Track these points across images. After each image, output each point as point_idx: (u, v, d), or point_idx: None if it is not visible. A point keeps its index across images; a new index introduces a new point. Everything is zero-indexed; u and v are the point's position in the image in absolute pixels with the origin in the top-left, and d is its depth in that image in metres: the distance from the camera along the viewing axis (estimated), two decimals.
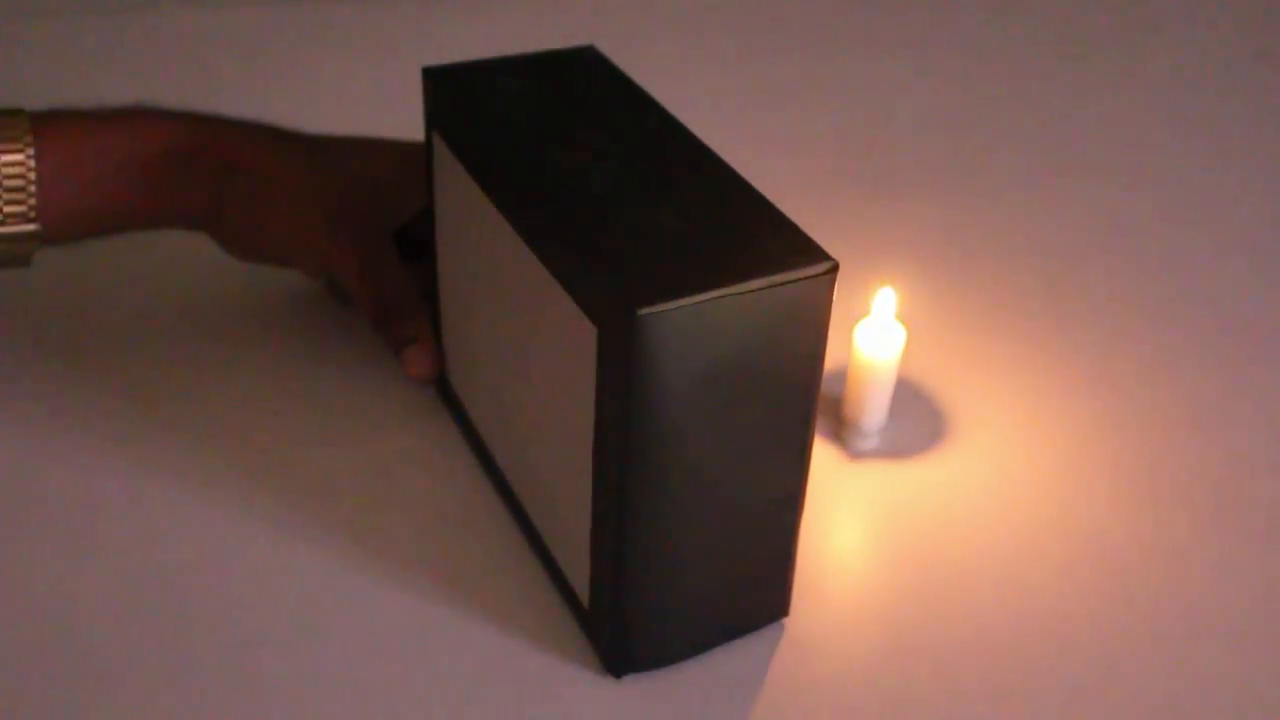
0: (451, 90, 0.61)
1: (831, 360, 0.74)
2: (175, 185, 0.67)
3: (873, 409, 0.69)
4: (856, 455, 0.69)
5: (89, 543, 0.62)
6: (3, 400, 0.70)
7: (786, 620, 0.59)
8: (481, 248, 0.59)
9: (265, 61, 1.06)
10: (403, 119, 0.83)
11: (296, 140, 0.71)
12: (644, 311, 0.47)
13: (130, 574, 0.60)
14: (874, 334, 0.68)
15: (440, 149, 0.62)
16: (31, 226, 0.64)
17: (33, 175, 0.63)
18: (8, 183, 0.63)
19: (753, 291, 0.48)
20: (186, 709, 0.54)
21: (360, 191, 0.70)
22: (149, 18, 1.12)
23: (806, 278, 0.49)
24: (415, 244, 0.72)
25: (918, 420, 0.71)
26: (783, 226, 0.52)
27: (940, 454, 0.69)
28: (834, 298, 0.51)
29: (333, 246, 0.69)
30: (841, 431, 0.70)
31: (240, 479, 0.65)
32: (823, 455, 0.69)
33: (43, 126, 0.64)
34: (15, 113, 0.64)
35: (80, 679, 0.55)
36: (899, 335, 0.68)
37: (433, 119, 0.62)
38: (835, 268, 0.50)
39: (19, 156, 0.63)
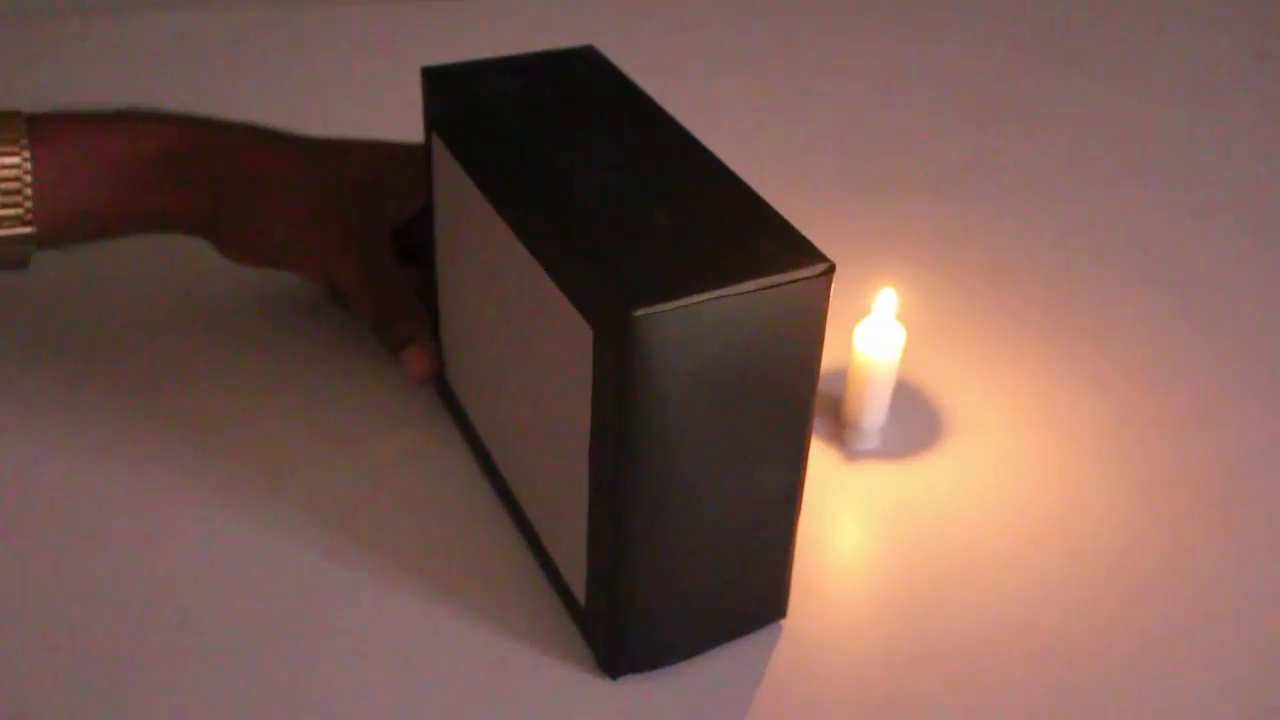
0: (451, 90, 0.61)
1: (831, 360, 0.74)
2: (172, 188, 0.67)
3: (872, 409, 0.69)
4: (855, 455, 0.69)
5: (89, 543, 0.62)
6: (2, 401, 0.70)
7: (785, 621, 0.59)
8: (479, 248, 0.59)
9: (265, 61, 1.06)
10: (403, 119, 0.83)
11: (293, 142, 0.71)
12: (640, 312, 0.47)
13: (129, 573, 0.60)
14: (874, 334, 0.68)
15: (439, 149, 0.62)
16: (28, 229, 0.64)
17: (29, 178, 0.63)
18: (4, 185, 0.62)
19: (749, 292, 0.48)
20: (184, 708, 0.54)
21: (357, 192, 0.70)
22: (149, 18, 1.12)
23: (803, 279, 0.49)
24: (413, 245, 0.72)
25: (917, 420, 0.71)
26: (780, 227, 0.52)
27: (939, 454, 0.69)
28: (833, 298, 0.51)
29: (330, 248, 0.69)
30: (841, 431, 0.70)
31: (240, 479, 0.65)
32: (822, 455, 0.69)
33: (39, 129, 0.64)
34: (11, 115, 0.64)
35: (80, 679, 0.55)
36: (899, 335, 0.68)
37: (432, 119, 0.62)
38: (832, 269, 0.50)
39: (15, 159, 0.62)
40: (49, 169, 0.64)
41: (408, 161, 0.72)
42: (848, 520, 0.65)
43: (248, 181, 0.68)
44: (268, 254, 0.71)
